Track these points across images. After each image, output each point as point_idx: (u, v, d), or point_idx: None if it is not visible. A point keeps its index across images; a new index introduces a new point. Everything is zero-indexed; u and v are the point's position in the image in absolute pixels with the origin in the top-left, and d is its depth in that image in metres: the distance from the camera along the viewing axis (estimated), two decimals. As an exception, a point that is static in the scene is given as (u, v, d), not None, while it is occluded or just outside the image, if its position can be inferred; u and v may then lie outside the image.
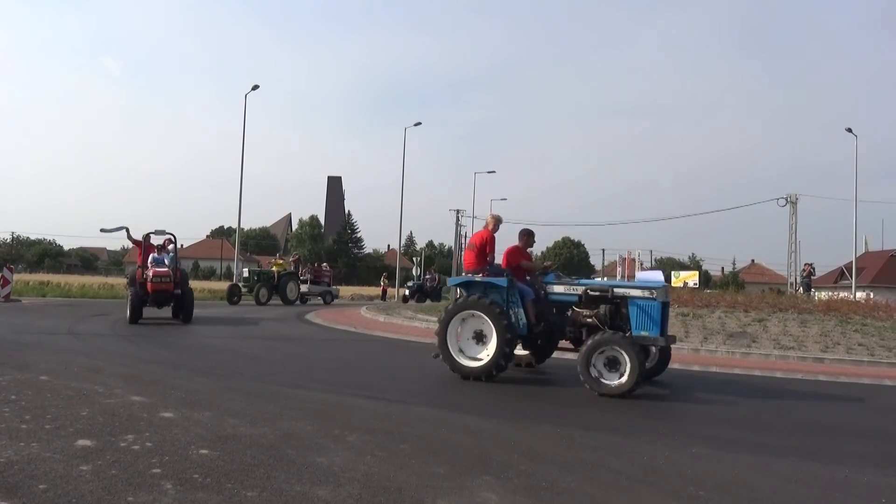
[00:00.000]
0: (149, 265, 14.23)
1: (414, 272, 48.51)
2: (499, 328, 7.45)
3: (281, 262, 27.98)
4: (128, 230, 15.39)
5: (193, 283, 35.34)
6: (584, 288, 7.72)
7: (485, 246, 8.14)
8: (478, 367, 7.58)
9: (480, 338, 7.75)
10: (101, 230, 16.03)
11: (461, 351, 7.76)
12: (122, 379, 6.55)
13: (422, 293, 32.97)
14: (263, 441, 4.32)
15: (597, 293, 7.61)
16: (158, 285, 13.83)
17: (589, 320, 7.58)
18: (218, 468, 3.68)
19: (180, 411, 5.11)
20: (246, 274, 26.06)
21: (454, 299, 8.60)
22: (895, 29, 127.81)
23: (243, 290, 25.20)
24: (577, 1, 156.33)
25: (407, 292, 33.76)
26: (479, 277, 7.92)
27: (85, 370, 7.05)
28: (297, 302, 26.07)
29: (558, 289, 7.92)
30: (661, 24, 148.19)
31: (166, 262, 14.46)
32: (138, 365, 7.84)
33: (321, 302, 27.87)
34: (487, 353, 7.60)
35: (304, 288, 27.20)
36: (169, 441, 4.20)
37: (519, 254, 8.39)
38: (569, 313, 7.86)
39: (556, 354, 10.89)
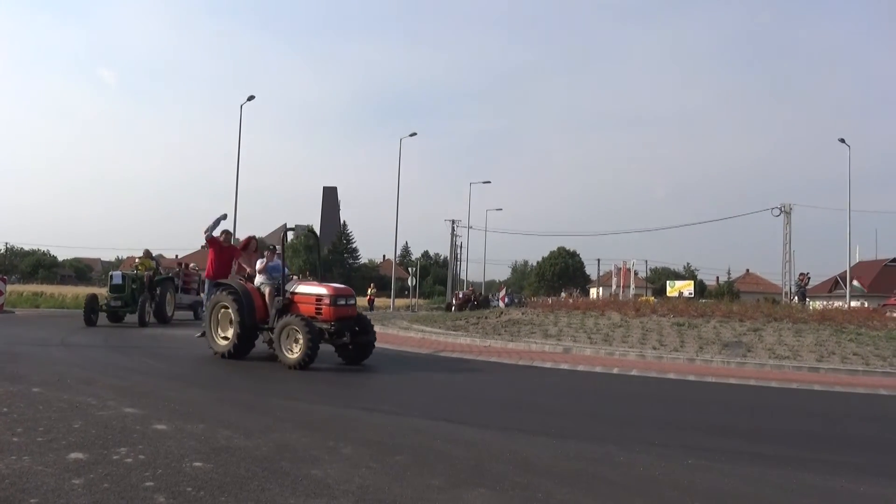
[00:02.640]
0: (259, 273, 10.03)
1: (410, 283, 48.11)
2: None
3: (152, 261, 18.32)
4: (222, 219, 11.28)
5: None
6: None
7: None
8: None
9: None
10: (208, 234, 11.70)
11: None
12: (115, 391, 6.50)
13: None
14: (257, 453, 4.29)
15: None
16: (345, 310, 9.54)
17: None
18: (212, 481, 3.66)
19: (174, 423, 5.07)
20: (119, 280, 16.06)
21: None
22: (888, 40, 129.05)
23: (114, 303, 15.80)
24: (573, 13, 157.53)
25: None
26: None
27: (78, 382, 7.00)
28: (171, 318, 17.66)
29: None
30: (656, 35, 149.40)
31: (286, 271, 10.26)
32: (131, 376, 7.79)
33: (191, 317, 19.14)
34: None
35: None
36: (162, 454, 4.17)
37: None
38: None
39: (539, 363, 10.87)
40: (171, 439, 4.56)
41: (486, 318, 18.03)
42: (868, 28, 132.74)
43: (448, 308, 36.82)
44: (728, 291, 64.75)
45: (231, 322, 9.75)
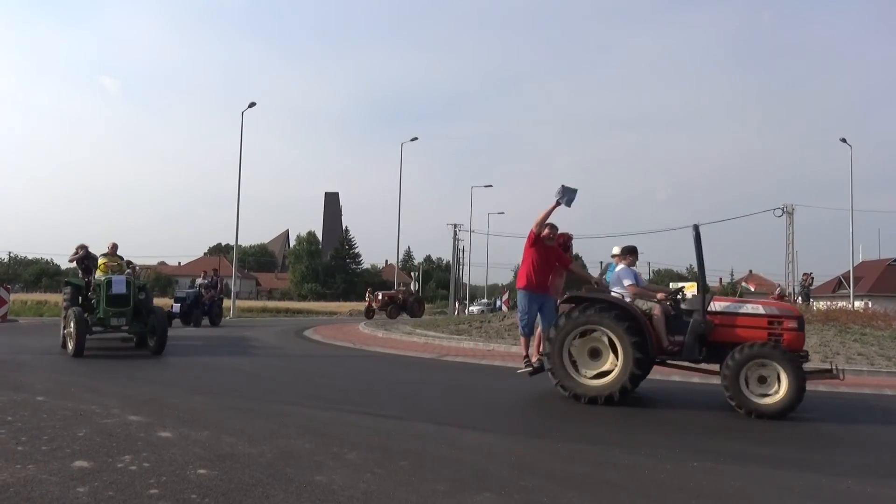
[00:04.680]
0: (633, 290, 7.53)
1: (412, 287, 47.28)
2: None
3: (120, 259, 12.73)
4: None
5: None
6: None
7: None
8: None
9: None
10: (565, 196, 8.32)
11: None
12: (119, 398, 6.51)
13: (197, 308, 20.48)
14: (262, 460, 4.29)
15: None
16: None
17: None
18: (216, 488, 3.65)
19: (178, 430, 5.07)
20: (122, 289, 11.32)
21: None
22: (888, 40, 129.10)
23: (115, 322, 11.24)
24: (571, 15, 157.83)
25: (176, 307, 20.28)
26: None
27: (82, 390, 7.01)
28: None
29: None
30: (656, 36, 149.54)
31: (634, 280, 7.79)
32: (135, 384, 7.79)
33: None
34: None
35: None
36: (166, 461, 4.17)
37: None
38: None
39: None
40: (176, 447, 4.56)
41: (489, 321, 18.03)
42: (868, 28, 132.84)
43: (367, 313, 30.14)
44: (731, 292, 64.65)
45: (598, 353, 7.31)
